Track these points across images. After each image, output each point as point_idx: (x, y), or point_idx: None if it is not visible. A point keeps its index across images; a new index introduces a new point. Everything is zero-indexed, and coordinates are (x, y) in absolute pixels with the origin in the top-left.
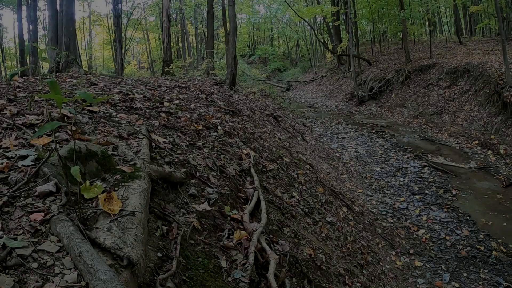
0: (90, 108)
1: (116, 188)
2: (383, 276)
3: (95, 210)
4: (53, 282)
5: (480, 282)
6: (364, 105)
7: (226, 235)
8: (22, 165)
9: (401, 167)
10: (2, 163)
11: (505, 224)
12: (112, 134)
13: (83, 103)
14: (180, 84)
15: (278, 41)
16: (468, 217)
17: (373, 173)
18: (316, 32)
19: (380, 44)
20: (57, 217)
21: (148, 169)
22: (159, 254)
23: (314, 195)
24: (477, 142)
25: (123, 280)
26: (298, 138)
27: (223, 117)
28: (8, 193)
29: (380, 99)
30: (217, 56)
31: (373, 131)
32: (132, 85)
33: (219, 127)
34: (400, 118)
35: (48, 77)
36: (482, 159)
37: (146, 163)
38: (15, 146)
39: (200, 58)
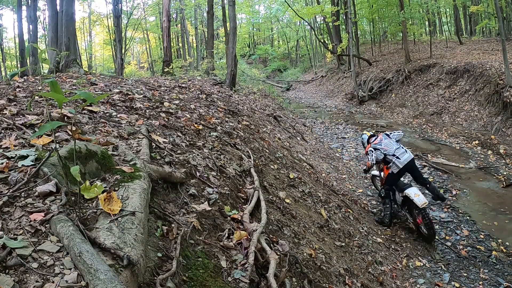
0: (90, 108)
1: (116, 188)
2: (383, 276)
3: (95, 210)
4: (53, 282)
5: (480, 282)
6: (364, 105)
7: (226, 235)
8: (22, 165)
9: None
10: (2, 163)
11: (505, 224)
12: (112, 134)
13: (83, 103)
14: (180, 84)
15: (278, 41)
16: (468, 217)
17: None
18: (316, 32)
19: (380, 44)
20: (57, 217)
21: (148, 169)
22: (159, 254)
23: (314, 195)
24: (477, 142)
25: (123, 280)
26: (298, 138)
27: (223, 117)
28: (8, 193)
29: (380, 99)
30: (217, 56)
31: (373, 131)
32: (132, 85)
33: (219, 127)
34: (400, 118)
35: (48, 77)
36: (482, 159)
37: (146, 163)
38: (15, 146)
39: (200, 58)
